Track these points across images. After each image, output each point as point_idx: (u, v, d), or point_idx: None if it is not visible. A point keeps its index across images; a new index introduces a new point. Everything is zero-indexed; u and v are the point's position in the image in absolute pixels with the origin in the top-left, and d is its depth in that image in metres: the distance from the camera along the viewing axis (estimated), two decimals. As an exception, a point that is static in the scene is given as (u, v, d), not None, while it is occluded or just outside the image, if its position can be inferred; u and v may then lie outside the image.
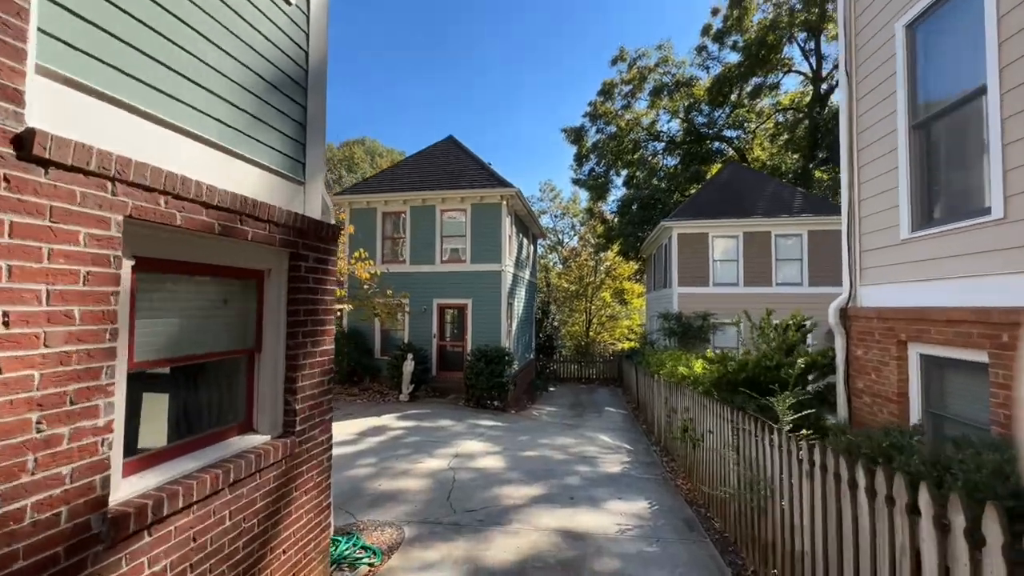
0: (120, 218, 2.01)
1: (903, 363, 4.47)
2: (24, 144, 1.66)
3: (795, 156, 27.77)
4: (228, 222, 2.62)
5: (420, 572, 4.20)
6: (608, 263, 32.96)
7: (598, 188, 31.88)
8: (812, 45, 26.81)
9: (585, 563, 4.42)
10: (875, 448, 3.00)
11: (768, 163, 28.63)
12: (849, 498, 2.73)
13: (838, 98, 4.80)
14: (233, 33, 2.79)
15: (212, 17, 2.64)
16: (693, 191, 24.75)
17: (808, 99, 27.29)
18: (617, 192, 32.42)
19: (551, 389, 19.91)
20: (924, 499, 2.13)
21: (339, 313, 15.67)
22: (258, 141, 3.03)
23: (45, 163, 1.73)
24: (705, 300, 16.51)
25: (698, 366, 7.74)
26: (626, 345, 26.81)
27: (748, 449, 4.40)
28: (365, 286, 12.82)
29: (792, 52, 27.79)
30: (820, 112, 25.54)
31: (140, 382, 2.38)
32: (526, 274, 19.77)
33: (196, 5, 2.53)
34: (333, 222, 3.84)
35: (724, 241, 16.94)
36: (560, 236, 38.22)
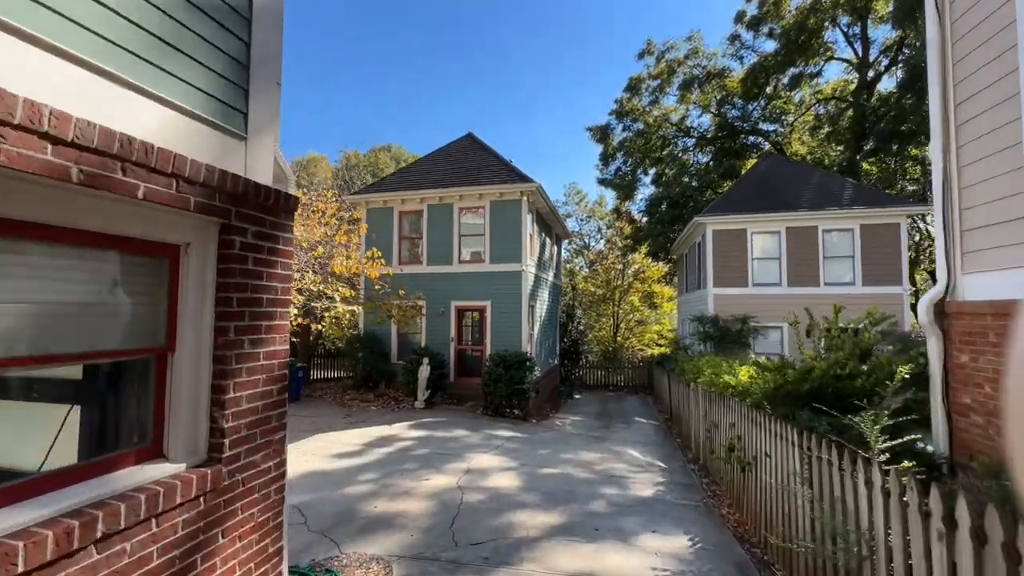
0: None
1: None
2: None
3: (839, 148, 25.85)
4: (99, 169, 1.86)
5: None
6: (636, 265, 31.56)
7: (625, 187, 30.58)
8: (856, 30, 24.98)
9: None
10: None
11: (809, 157, 26.81)
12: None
13: (929, 33, 3.70)
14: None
15: None
16: (726, 187, 23.26)
17: (853, 87, 25.41)
18: (645, 191, 31.08)
19: (576, 396, 18.82)
20: None
21: (354, 315, 15.13)
22: (169, 74, 2.29)
23: None
24: (743, 302, 15.19)
25: (744, 374, 6.68)
26: (656, 351, 25.42)
27: (827, 484, 3.39)
28: (377, 287, 12.19)
29: (834, 37, 25.98)
30: (867, 101, 23.68)
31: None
32: (549, 275, 18.80)
33: None
34: (292, 191, 3.08)
35: (764, 237, 15.56)
36: (586, 240, 37.03)
